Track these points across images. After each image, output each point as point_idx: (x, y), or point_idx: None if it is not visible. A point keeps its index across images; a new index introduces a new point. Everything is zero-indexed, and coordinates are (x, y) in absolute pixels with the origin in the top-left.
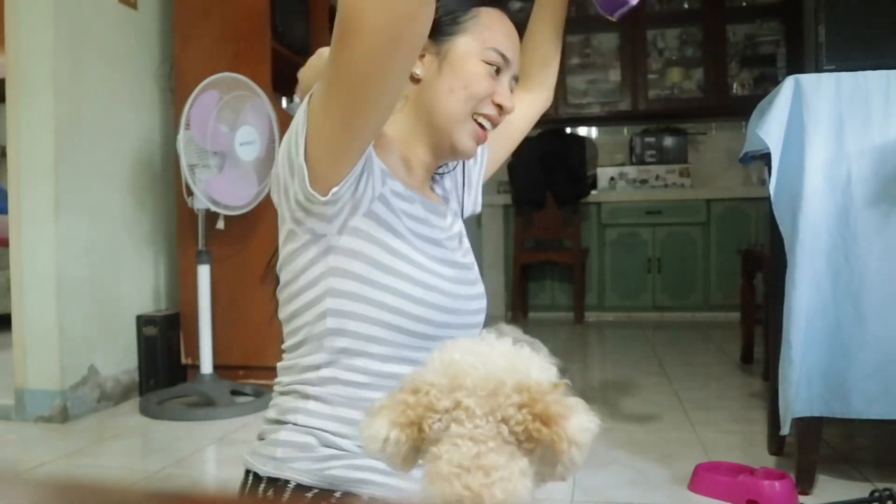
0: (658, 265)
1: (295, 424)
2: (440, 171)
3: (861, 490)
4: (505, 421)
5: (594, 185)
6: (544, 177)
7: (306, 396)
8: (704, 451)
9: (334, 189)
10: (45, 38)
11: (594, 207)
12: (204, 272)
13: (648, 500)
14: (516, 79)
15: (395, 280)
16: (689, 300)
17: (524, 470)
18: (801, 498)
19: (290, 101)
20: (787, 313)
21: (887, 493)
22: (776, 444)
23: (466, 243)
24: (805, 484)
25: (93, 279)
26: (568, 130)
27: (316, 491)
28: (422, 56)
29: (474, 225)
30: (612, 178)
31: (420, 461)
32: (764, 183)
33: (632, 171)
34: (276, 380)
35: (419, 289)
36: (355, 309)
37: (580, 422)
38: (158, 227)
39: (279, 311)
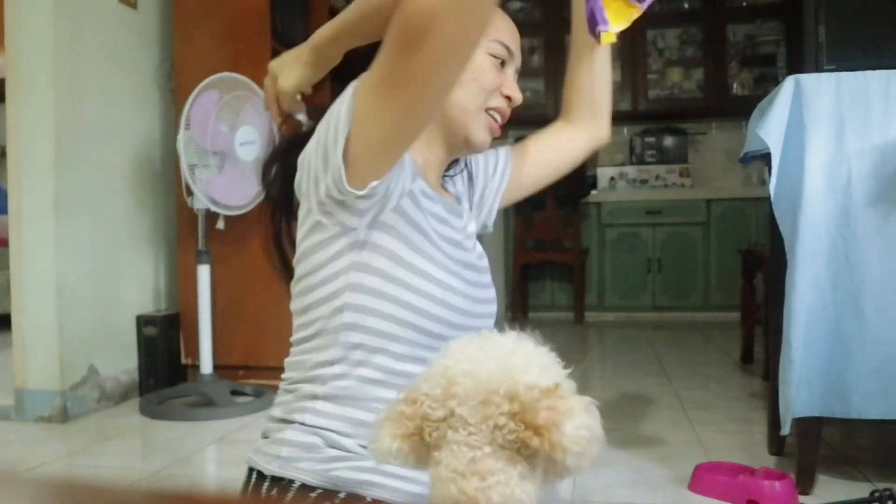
0: (658, 265)
1: (302, 424)
2: (450, 172)
3: (861, 490)
4: (499, 429)
5: (594, 185)
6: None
7: (314, 396)
8: (704, 451)
9: (373, 183)
10: (45, 38)
11: (594, 207)
12: (204, 272)
13: (648, 500)
14: (518, 72)
15: (417, 279)
16: (689, 300)
17: (524, 473)
18: (801, 498)
19: None
20: (787, 313)
21: (887, 493)
22: (776, 444)
23: (479, 246)
24: (805, 484)
25: (93, 279)
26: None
27: (320, 491)
28: None
29: None
30: (612, 178)
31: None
32: (764, 183)
33: (632, 171)
34: (283, 375)
35: (439, 289)
36: (375, 305)
37: (575, 427)
38: (158, 227)
39: (292, 303)
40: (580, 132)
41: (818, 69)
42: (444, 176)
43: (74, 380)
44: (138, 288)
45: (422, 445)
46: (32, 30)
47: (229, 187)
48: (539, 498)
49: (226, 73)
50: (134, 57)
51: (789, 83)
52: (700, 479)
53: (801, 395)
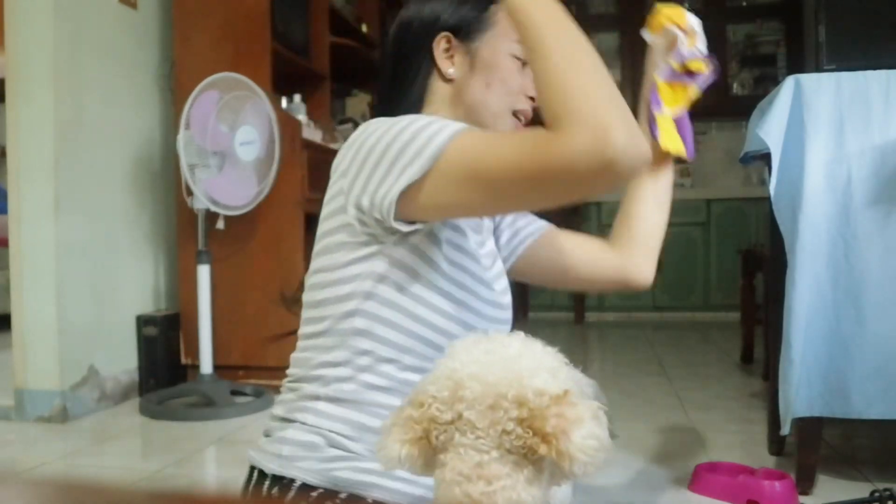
0: (658, 265)
1: (303, 423)
2: None
3: (861, 490)
4: (506, 434)
5: None
6: None
7: (317, 397)
8: (704, 451)
9: (419, 226)
10: (45, 38)
11: (594, 207)
12: (204, 272)
13: (648, 500)
14: None
15: (431, 294)
16: (689, 300)
17: (531, 478)
18: (801, 498)
19: (290, 101)
20: (787, 313)
21: (887, 493)
22: (776, 444)
23: (500, 265)
24: (805, 484)
25: (93, 279)
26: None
27: (321, 491)
28: (451, 56)
29: None
30: None
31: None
32: (764, 183)
33: None
34: (288, 371)
35: (454, 305)
36: (387, 315)
37: (583, 436)
38: (158, 227)
39: (304, 293)
40: (613, 259)
41: (818, 69)
42: None
43: (74, 380)
44: (138, 288)
45: (429, 449)
46: (32, 30)
47: (229, 187)
48: (543, 502)
49: (226, 73)
50: (134, 57)
51: (789, 83)
52: (700, 479)
53: (801, 395)
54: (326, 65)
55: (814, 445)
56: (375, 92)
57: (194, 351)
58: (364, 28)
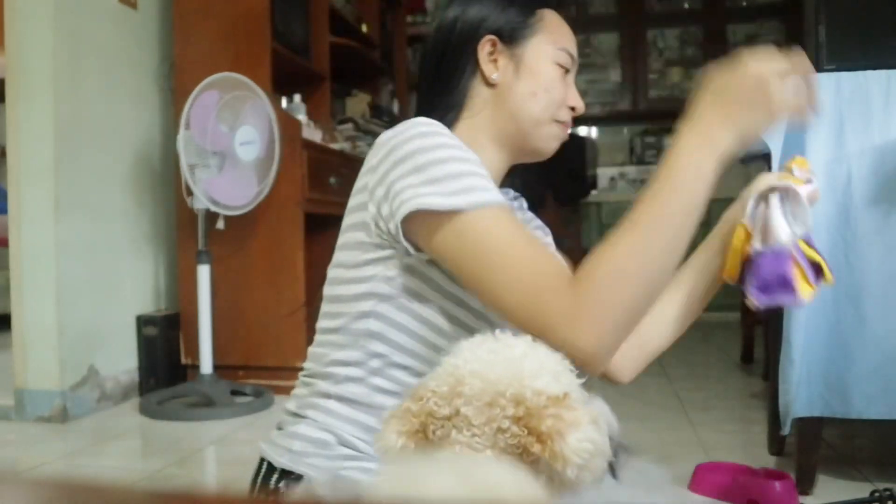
0: None
1: (314, 420)
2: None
3: (861, 490)
4: (502, 432)
5: (594, 185)
6: (544, 177)
7: (327, 395)
8: (704, 451)
9: (423, 255)
10: (45, 38)
11: (594, 207)
12: (204, 272)
13: (648, 500)
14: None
15: (447, 303)
16: None
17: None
18: (801, 498)
19: (290, 101)
20: (788, 313)
21: (887, 493)
22: (776, 444)
23: None
24: (805, 484)
25: (93, 279)
26: (568, 130)
27: None
28: (495, 60)
29: None
30: (612, 178)
31: None
32: None
33: (632, 171)
34: (304, 364)
35: (472, 316)
36: (402, 320)
37: (578, 440)
38: (158, 227)
39: (325, 286)
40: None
41: (818, 69)
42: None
43: (74, 380)
44: (138, 288)
45: (426, 443)
46: (32, 30)
47: (229, 187)
48: None
49: (226, 73)
50: (134, 57)
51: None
52: (700, 479)
53: (801, 395)
54: (326, 65)
55: (814, 445)
56: (418, 92)
57: (194, 351)
58: (364, 28)
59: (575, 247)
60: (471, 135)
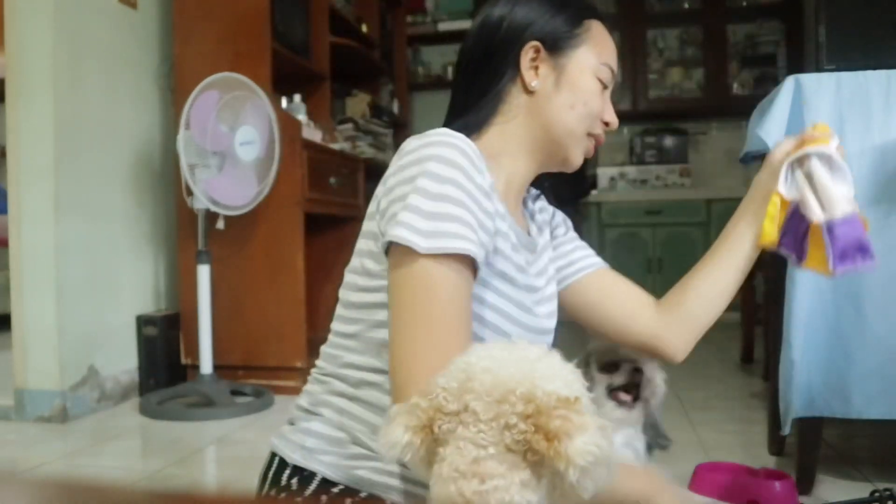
0: (658, 265)
1: (328, 418)
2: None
3: (861, 490)
4: (509, 428)
5: (594, 185)
6: (544, 177)
7: (342, 394)
8: (704, 451)
9: None
10: (45, 38)
11: (594, 207)
12: (204, 272)
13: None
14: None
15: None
16: None
17: (526, 482)
18: (802, 498)
19: (290, 101)
20: (787, 313)
21: (887, 493)
22: (776, 444)
23: (552, 287)
24: (805, 484)
25: (93, 279)
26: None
27: (342, 487)
28: (536, 67)
29: None
30: (612, 178)
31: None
32: None
33: (632, 171)
34: (317, 363)
35: (488, 331)
36: None
37: (584, 443)
38: (158, 227)
39: (341, 289)
40: (652, 322)
41: (818, 69)
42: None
43: (74, 380)
44: (138, 288)
45: (431, 439)
46: (32, 30)
47: (229, 187)
48: None
49: (226, 73)
50: (134, 57)
51: (789, 83)
52: (700, 479)
53: (801, 395)
54: (326, 65)
55: (814, 445)
56: (453, 87)
57: (194, 351)
58: (364, 28)
59: None
60: (502, 140)
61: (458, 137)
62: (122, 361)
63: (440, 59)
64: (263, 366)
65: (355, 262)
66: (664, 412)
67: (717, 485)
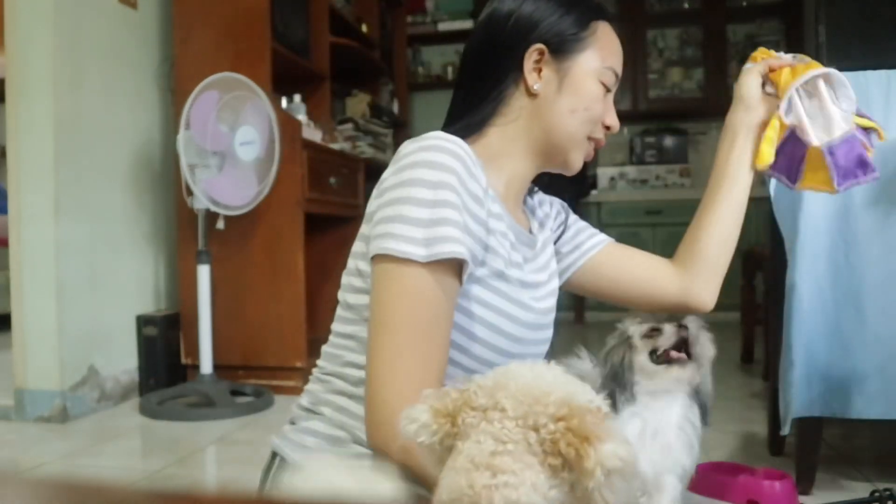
0: None
1: (328, 417)
2: (532, 202)
3: (861, 490)
4: (535, 429)
5: (594, 185)
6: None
7: (342, 392)
8: (704, 451)
9: None
10: (44, 38)
11: (594, 207)
12: (204, 272)
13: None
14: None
15: (460, 317)
16: None
17: (537, 485)
18: (802, 498)
19: (290, 101)
20: (787, 313)
21: (887, 493)
22: (776, 444)
23: (553, 283)
24: (805, 484)
25: (93, 279)
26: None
27: None
28: (539, 70)
29: None
30: (612, 178)
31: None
32: (764, 183)
33: (632, 171)
34: (318, 362)
35: (487, 331)
36: None
37: (614, 448)
38: (158, 227)
39: (340, 290)
40: (676, 279)
41: None
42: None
43: (74, 380)
44: (138, 288)
45: (448, 432)
46: (32, 30)
47: (229, 187)
48: None
49: (226, 73)
50: (134, 57)
51: None
52: (700, 478)
53: (801, 395)
54: (326, 65)
55: (814, 445)
56: (456, 85)
57: (194, 351)
58: (364, 28)
59: None
60: (502, 142)
61: (453, 141)
62: (122, 361)
63: (440, 59)
64: (263, 366)
65: (350, 263)
66: None
67: (717, 485)
